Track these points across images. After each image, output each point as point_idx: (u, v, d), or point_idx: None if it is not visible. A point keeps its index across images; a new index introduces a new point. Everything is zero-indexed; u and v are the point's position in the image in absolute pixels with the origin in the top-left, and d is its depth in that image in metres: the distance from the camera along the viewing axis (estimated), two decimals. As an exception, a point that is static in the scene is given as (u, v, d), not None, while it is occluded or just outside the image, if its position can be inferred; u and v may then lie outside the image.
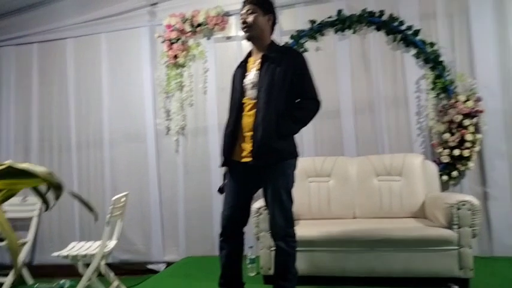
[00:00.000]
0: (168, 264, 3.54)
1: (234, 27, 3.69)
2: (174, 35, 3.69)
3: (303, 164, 3.06)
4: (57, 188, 1.15)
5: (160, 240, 3.63)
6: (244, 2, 2.17)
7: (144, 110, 3.77)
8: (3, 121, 4.01)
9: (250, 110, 2.09)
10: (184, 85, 3.73)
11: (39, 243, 3.78)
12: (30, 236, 3.43)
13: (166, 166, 3.72)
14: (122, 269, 3.38)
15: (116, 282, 2.81)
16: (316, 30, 3.48)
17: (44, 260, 3.71)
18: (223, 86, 3.58)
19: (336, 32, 3.45)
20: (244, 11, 2.15)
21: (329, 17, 3.43)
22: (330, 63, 3.46)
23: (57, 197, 1.21)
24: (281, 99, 2.05)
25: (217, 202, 3.50)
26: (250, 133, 2.06)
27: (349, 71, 3.41)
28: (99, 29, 3.92)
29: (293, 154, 2.12)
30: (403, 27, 3.28)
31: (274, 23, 2.23)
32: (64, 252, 2.68)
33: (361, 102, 3.38)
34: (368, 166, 2.99)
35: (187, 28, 3.67)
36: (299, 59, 2.16)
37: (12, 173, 1.10)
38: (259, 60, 2.12)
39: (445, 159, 3.09)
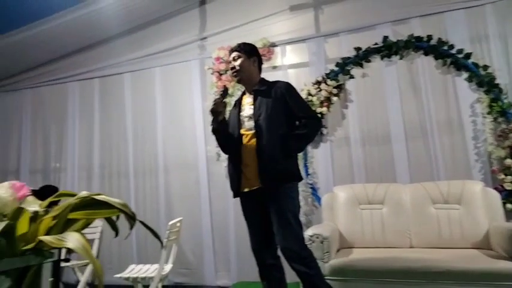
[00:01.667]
0: (220, 288, 3.60)
1: (280, 57, 3.82)
2: (222, 66, 3.88)
3: (353, 190, 3.06)
4: (131, 218, 1.26)
5: (213, 265, 3.71)
6: (230, 51, 2.40)
7: (196, 138, 3.95)
8: (69, 150, 4.36)
9: (250, 140, 2.21)
10: (233, 113, 3.87)
11: (101, 263, 3.99)
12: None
13: (217, 192, 3.83)
14: (176, 292, 3.49)
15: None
16: (362, 57, 3.51)
17: (104, 281, 3.90)
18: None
19: (382, 58, 3.46)
20: (231, 58, 2.37)
21: (375, 44, 3.46)
22: (378, 89, 3.46)
23: (132, 227, 1.32)
24: (281, 124, 2.20)
25: (267, 228, 3.55)
26: (253, 161, 2.16)
27: (398, 96, 3.39)
28: (153, 64, 4.22)
29: (297, 177, 2.24)
30: (453, 51, 3.23)
31: (260, 63, 2.44)
32: (125, 274, 2.84)
33: (412, 127, 3.33)
34: (423, 193, 2.90)
35: (236, 60, 3.84)
36: (286, 85, 2.34)
37: (92, 203, 1.22)
38: (252, 95, 2.31)
39: (509, 186, 2.93)
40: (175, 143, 4.03)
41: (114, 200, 1.22)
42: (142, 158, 4.14)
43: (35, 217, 1.21)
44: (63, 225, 1.22)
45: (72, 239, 1.05)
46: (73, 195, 1.33)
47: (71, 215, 1.21)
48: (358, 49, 3.50)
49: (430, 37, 3.30)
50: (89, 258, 1.03)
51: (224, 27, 3.97)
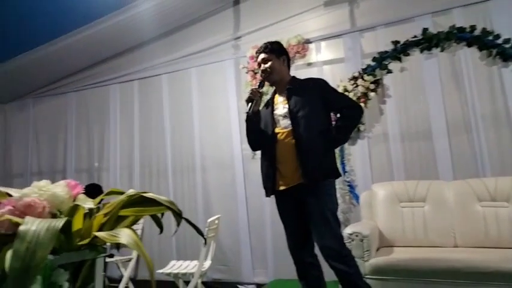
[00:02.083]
0: (258, 285, 3.63)
1: (315, 54, 3.79)
2: (257, 65, 3.89)
3: (393, 187, 2.98)
4: (178, 215, 1.30)
5: (250, 262, 3.75)
6: (258, 52, 2.36)
7: (231, 137, 4.00)
8: (111, 149, 4.55)
9: (286, 138, 2.19)
10: (268, 112, 3.89)
11: (141, 260, 4.14)
12: (134, 253, 3.79)
13: (253, 190, 3.86)
14: (215, 287, 3.56)
15: (211, 301, 2.97)
16: (400, 50, 3.40)
17: (146, 276, 4.05)
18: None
19: (422, 51, 3.34)
20: (260, 59, 2.34)
21: (414, 37, 3.35)
22: (417, 83, 3.35)
23: (179, 223, 1.36)
24: (319, 120, 2.19)
25: (304, 226, 3.54)
26: (290, 159, 2.15)
27: (439, 90, 3.26)
28: (189, 65, 4.31)
29: (336, 174, 2.23)
30: (499, 41, 3.06)
31: (289, 60, 2.42)
32: (166, 270, 2.93)
33: (455, 122, 3.20)
34: (468, 190, 2.78)
35: (270, 58, 3.85)
36: (320, 81, 2.35)
37: (141, 201, 1.27)
38: (285, 94, 2.28)
39: (563, 182, 2.75)
40: (212, 142, 4.10)
41: (161, 197, 1.27)
42: (180, 157, 4.24)
43: (88, 214, 1.28)
44: (114, 221, 1.28)
45: (124, 235, 1.10)
46: (121, 193, 1.39)
47: (122, 212, 1.27)
48: (396, 42, 3.41)
49: (473, 27, 3.15)
50: (141, 253, 1.07)
51: (258, 26, 3.99)
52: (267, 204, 3.78)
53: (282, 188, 2.21)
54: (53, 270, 1.06)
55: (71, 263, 1.15)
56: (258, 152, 3.81)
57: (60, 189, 1.20)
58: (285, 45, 3.75)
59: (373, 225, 2.82)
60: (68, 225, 1.05)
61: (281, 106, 2.28)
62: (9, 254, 0.91)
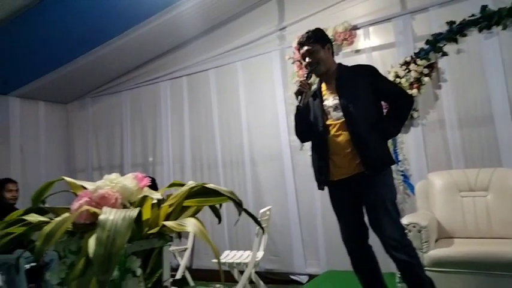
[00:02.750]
0: (310, 276, 3.64)
1: (362, 40, 3.68)
2: (301, 57, 3.85)
3: (452, 176, 2.85)
4: (239, 205, 1.34)
5: (302, 253, 3.76)
6: (301, 44, 2.27)
7: (279, 128, 4.01)
8: (164, 144, 4.74)
9: (338, 130, 2.14)
10: (315, 102, 3.84)
11: (196, 250, 4.31)
12: (189, 243, 3.94)
13: (303, 181, 3.85)
14: (267, 278, 3.60)
15: (265, 290, 3.03)
16: (456, 31, 3.22)
17: (200, 265, 4.21)
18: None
19: (481, 30, 3.13)
20: (304, 51, 2.24)
21: (471, 16, 3.14)
22: (476, 65, 3.15)
23: (240, 213, 1.40)
24: (371, 109, 2.13)
25: (355, 216, 3.49)
26: (345, 150, 2.10)
27: (502, 71, 3.05)
28: (235, 58, 4.36)
29: (392, 161, 2.19)
30: None
31: (332, 47, 2.34)
32: (221, 259, 3.03)
33: (520, 105, 2.97)
34: (536, 178, 2.59)
35: (316, 47, 3.80)
36: (369, 68, 2.27)
37: (204, 192, 1.32)
38: (334, 84, 2.20)
39: None
40: (260, 134, 4.13)
41: (222, 188, 1.31)
42: (229, 150, 4.32)
43: (155, 204, 1.35)
44: (179, 212, 1.35)
45: (191, 224, 1.16)
46: (182, 184, 1.45)
47: (186, 203, 1.33)
48: (451, 23, 3.22)
49: (540, 1, 2.90)
50: (207, 241, 1.12)
51: (303, 15, 3.94)
52: (317, 196, 3.76)
53: (336, 178, 2.17)
54: (127, 257, 1.14)
55: (142, 250, 1.22)
56: (306, 144, 3.84)
57: (129, 181, 1.28)
58: (331, 32, 3.72)
59: (431, 215, 2.71)
60: (139, 215, 1.11)
61: (331, 97, 2.22)
62: (91, 241, 0.99)
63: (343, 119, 2.13)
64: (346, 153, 2.12)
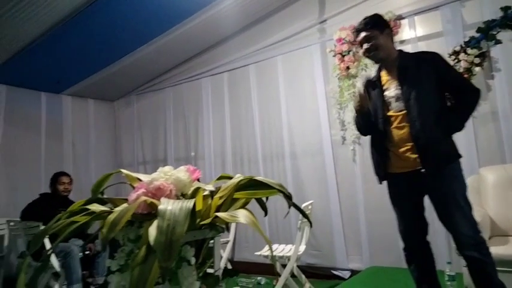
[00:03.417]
0: (353, 271, 3.60)
1: (408, 30, 3.56)
2: (345, 47, 3.79)
3: (506, 171, 2.71)
4: (288, 198, 1.35)
5: (344, 248, 3.72)
6: (358, 31, 2.16)
7: (320, 122, 3.97)
8: (205, 139, 4.85)
9: (400, 122, 2.04)
10: (358, 95, 3.77)
11: (237, 242, 4.38)
12: (231, 236, 4.02)
13: (344, 176, 3.80)
14: (308, 272, 3.59)
15: (307, 284, 3.04)
16: (512, 17, 3.02)
17: (241, 257, 4.28)
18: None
19: (541, 14, 2.92)
20: (361, 38, 2.14)
21: (529, -1, 2.94)
22: (535, 53, 2.95)
23: (289, 206, 1.41)
24: (434, 101, 2.00)
25: (400, 212, 3.40)
26: (409, 144, 2.01)
27: None
28: (275, 53, 4.36)
29: (458, 155, 2.05)
30: None
31: (392, 33, 2.23)
32: (264, 252, 3.07)
33: None
34: None
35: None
36: (434, 56, 2.10)
37: (253, 184, 1.35)
38: (396, 73, 2.08)
39: None
40: (300, 129, 4.11)
41: (272, 181, 1.33)
42: (270, 144, 4.34)
43: (206, 196, 1.39)
44: (229, 203, 1.38)
45: (242, 215, 1.19)
46: (230, 177, 1.48)
47: (236, 195, 1.36)
48: (506, 8, 3.03)
49: None
50: (259, 231, 1.14)
51: (344, 7, 3.87)
52: (359, 190, 3.70)
53: (396, 171, 2.08)
54: (182, 246, 1.18)
55: (195, 240, 1.27)
56: (348, 138, 3.80)
57: (182, 174, 1.33)
58: (374, 24, 3.62)
59: (483, 212, 2.59)
60: (194, 206, 1.15)
61: (392, 87, 2.10)
62: (151, 230, 1.04)
63: (405, 111, 2.02)
64: (408, 146, 2.02)
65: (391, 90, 2.11)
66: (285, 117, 4.23)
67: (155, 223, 1.05)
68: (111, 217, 1.03)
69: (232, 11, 4.09)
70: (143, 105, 5.57)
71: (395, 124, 2.07)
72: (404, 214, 2.13)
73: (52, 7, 3.39)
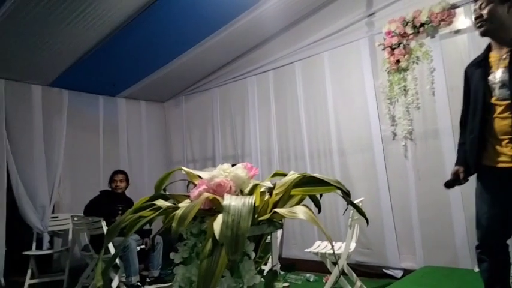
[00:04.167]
0: (405, 271, 3.50)
1: (463, 19, 3.38)
2: (395, 40, 3.68)
3: None
4: (346, 194, 1.36)
5: (395, 247, 3.63)
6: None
7: (369, 118, 3.88)
8: (252, 137, 4.91)
9: (504, 112, 1.88)
10: (409, 89, 3.65)
11: (285, 239, 4.42)
12: (279, 233, 4.06)
13: (396, 172, 3.70)
14: (359, 270, 3.54)
15: (358, 283, 3.00)
16: None
17: (289, 254, 4.30)
18: (454, 85, 3.33)
19: None
20: (477, 5, 1.97)
21: None
22: None
23: (347, 203, 1.42)
24: None
25: (458, 210, 3.25)
26: (508, 136, 1.87)
27: None
28: (321, 49, 4.32)
29: None
30: None
31: None
32: (314, 249, 3.07)
33: None
34: None
35: (409, 31, 3.59)
36: None
37: (310, 181, 1.37)
38: (506, 56, 1.90)
39: None
40: (348, 125, 4.05)
41: (329, 178, 1.34)
42: (316, 140, 4.31)
43: (263, 192, 1.43)
44: (286, 200, 1.41)
45: (301, 211, 1.21)
46: (284, 174, 1.51)
47: (293, 192, 1.38)
48: None
49: None
50: (318, 227, 1.16)
51: (393, -2, 3.75)
52: (412, 188, 3.58)
53: (492, 164, 1.94)
54: (242, 240, 1.22)
55: (253, 236, 1.31)
56: (399, 133, 3.70)
57: (240, 171, 1.37)
58: (426, 14, 3.49)
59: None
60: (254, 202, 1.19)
61: (500, 70, 1.91)
62: (216, 225, 1.09)
63: (510, 101, 1.85)
64: (508, 139, 1.88)
65: (498, 73, 1.92)
66: (332, 114, 4.18)
67: (219, 218, 1.10)
68: (179, 212, 1.10)
69: (276, 9, 4.10)
70: (191, 105, 5.75)
71: (496, 113, 1.91)
72: (488, 210, 1.96)
73: (108, 16, 3.61)
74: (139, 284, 3.72)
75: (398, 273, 3.55)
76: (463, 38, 3.34)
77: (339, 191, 1.32)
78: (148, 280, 4.08)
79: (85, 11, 3.41)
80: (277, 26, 4.52)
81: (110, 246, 3.47)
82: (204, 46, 4.55)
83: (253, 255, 1.22)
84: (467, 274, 2.98)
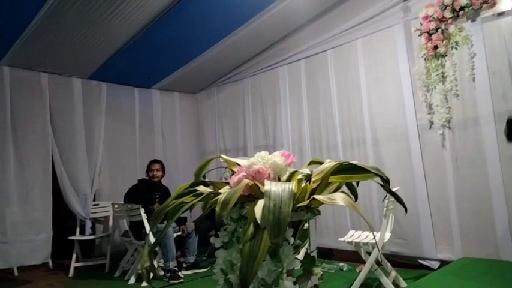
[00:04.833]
0: (442, 262, 3.43)
1: (507, 1, 3.20)
2: (432, 25, 3.55)
3: None
4: (386, 181, 1.36)
5: (432, 237, 3.55)
6: None
7: (404, 106, 3.79)
8: (283, 127, 4.92)
9: None
10: (447, 75, 3.52)
11: (318, 229, 4.42)
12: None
13: (432, 162, 3.60)
14: (393, 260, 3.50)
15: (393, 273, 2.97)
16: None
17: (322, 243, 4.31)
18: (496, 70, 3.19)
19: None
20: None
21: None
22: None
23: (387, 191, 1.41)
24: None
25: (498, 200, 3.14)
26: None
27: None
28: (354, 36, 4.23)
29: None
30: None
31: None
32: (348, 238, 3.07)
33: None
34: None
35: (448, 15, 3.45)
36: None
37: (348, 168, 1.37)
38: None
39: None
40: (382, 114, 3.97)
41: (368, 165, 1.34)
42: (349, 130, 4.26)
43: (300, 180, 1.45)
44: (323, 187, 1.42)
45: (340, 198, 1.23)
46: (321, 162, 1.52)
47: (331, 179, 1.39)
48: None
49: None
50: (358, 213, 1.18)
51: (431, -18, 3.60)
52: (449, 178, 3.48)
53: None
54: (281, 226, 1.25)
55: (292, 222, 1.34)
56: (436, 121, 3.59)
57: (278, 158, 1.40)
58: (466, -3, 3.33)
59: None
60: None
61: None
62: (257, 210, 1.13)
63: None
64: None
65: None
66: (365, 102, 4.11)
67: (260, 203, 1.13)
68: (221, 197, 1.14)
69: (308, -2, 4.06)
70: (223, 95, 5.82)
71: None
72: None
73: (142, 10, 3.70)
74: (176, 268, 3.86)
75: (435, 264, 3.48)
76: (507, 21, 3.17)
77: (378, 179, 1.32)
78: (184, 266, 4.22)
79: (121, 5, 3.52)
80: (308, 15, 4.46)
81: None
82: (234, 37, 4.57)
83: (292, 240, 1.25)
84: (510, 267, 2.88)
